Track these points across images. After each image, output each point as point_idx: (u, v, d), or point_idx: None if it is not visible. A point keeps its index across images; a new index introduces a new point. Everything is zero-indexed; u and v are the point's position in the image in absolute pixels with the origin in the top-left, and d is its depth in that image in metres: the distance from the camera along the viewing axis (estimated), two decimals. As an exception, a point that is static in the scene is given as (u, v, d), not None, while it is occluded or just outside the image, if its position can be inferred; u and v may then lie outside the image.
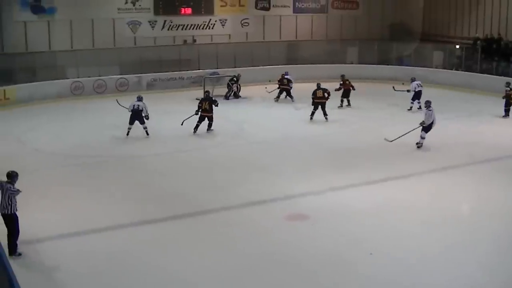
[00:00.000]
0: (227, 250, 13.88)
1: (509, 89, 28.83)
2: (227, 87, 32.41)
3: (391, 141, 21.14)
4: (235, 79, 32.71)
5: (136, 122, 24.02)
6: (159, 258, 13.41)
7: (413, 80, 30.52)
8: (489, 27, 40.35)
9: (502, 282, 12.64)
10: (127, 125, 24.10)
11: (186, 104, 30.13)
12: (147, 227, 15.27)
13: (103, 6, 35.06)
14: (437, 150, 22.43)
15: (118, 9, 35.63)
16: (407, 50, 40.97)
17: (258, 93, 32.74)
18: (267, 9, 40.94)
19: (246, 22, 40.21)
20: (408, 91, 29.69)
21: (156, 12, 36.83)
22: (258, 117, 28.31)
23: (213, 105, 24.88)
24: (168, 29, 37.38)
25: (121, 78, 33.94)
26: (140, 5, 36.22)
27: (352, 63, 40.49)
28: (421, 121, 22.18)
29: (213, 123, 24.97)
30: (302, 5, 42.36)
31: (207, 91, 27.32)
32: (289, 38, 42.00)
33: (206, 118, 24.70)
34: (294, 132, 25.19)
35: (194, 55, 37.22)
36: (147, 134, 24.09)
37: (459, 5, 42.85)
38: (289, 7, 41.89)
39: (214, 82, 33.49)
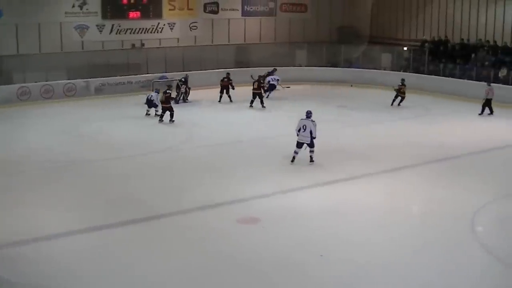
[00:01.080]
0: (180, 254, 13.89)
1: (401, 84, 31.60)
2: (176, 90, 32.31)
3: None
4: (183, 79, 32.62)
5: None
6: (113, 264, 13.37)
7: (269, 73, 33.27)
8: (436, 30, 41.00)
9: (454, 282, 12.84)
10: (79, 130, 24.37)
11: (135, 109, 30.10)
12: (100, 232, 15.17)
13: (50, 10, 34.58)
14: (386, 151, 22.73)
15: (66, 13, 35.21)
16: (355, 53, 41.37)
17: (207, 97, 32.75)
18: (216, 12, 40.93)
19: (194, 26, 40.15)
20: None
21: (104, 16, 36.51)
22: (209, 120, 28.30)
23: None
24: (116, 33, 37.08)
25: (68, 83, 33.51)
26: (87, 9, 35.83)
27: (300, 66, 40.71)
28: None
29: (164, 127, 24.95)
30: (251, 8, 42.46)
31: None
32: (238, 41, 42.03)
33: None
34: (245, 135, 25.28)
35: (143, 59, 36.97)
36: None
37: (407, 8, 43.43)
38: (237, 10, 41.93)
39: (162, 86, 33.35)
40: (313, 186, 18.60)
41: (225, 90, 32.59)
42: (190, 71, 35.12)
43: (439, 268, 13.30)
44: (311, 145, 20.47)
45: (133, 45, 37.64)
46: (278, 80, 33.88)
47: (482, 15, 38.78)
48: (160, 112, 27.82)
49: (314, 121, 20.36)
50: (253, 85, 31.32)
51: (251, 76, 32.21)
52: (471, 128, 27.26)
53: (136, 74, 35.66)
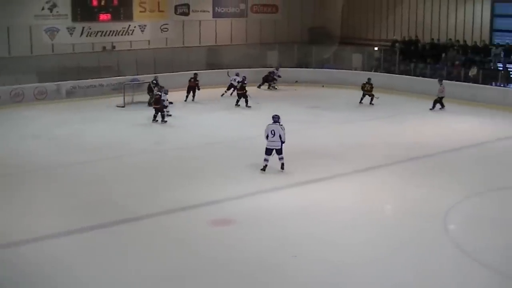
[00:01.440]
0: (153, 258, 13.78)
1: (366, 82, 32.26)
2: (148, 93, 32.09)
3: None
4: (154, 82, 32.39)
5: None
6: (85, 270, 13.24)
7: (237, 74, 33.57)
8: (406, 30, 41.33)
9: (428, 281, 12.89)
10: (51, 133, 24.61)
11: (107, 111, 29.96)
12: (72, 237, 14.99)
13: (19, 13, 34.26)
14: (359, 151, 22.82)
15: (35, 15, 34.94)
16: (326, 53, 41.46)
17: (179, 99, 32.64)
18: (187, 14, 40.86)
19: (165, 28, 40.06)
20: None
21: (74, 19, 36.25)
22: (181, 122, 28.16)
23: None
24: (86, 36, 36.87)
25: (39, 86, 33.24)
26: (57, 12, 35.57)
27: (271, 67, 40.69)
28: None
29: (136, 129, 24.85)
30: (222, 9, 42.47)
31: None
32: (209, 43, 42.03)
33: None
34: (218, 137, 25.21)
35: (114, 61, 36.82)
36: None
37: (377, 8, 43.70)
38: (208, 12, 41.92)
39: (134, 88, 33.22)
40: (286, 187, 18.61)
41: (191, 91, 32.73)
42: (161, 73, 34.95)
43: (413, 268, 13.36)
44: (279, 152, 19.67)
45: (104, 47, 37.47)
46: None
47: (452, 15, 39.17)
48: (169, 112, 28.35)
49: (282, 125, 19.70)
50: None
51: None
52: (442, 126, 27.43)
53: (108, 77, 35.38)
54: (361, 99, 32.42)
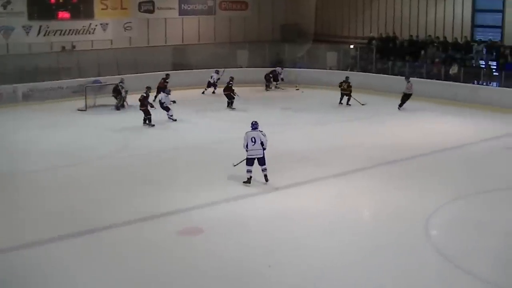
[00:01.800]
0: (119, 269, 13.71)
1: (343, 80, 32.54)
2: (116, 97, 31.86)
3: (235, 165, 19.89)
4: (121, 85, 32.16)
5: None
6: (43, 284, 13.14)
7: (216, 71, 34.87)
8: (383, 26, 41.55)
9: (408, 286, 12.98)
10: (6, 140, 25.06)
11: (67, 116, 29.76)
12: (29, 251, 14.79)
13: (-30, 11, 34.12)
14: (335, 154, 22.88)
15: (-13, 13, 34.76)
16: (299, 52, 41.54)
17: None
18: (151, 11, 40.76)
19: (129, 26, 39.91)
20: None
21: (31, 17, 35.99)
22: (146, 127, 28.01)
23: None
24: (44, 35, 36.58)
25: (-7, 89, 33.02)
26: (12, 9, 35.24)
27: (241, 67, 40.69)
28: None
29: (99, 134, 24.70)
30: (188, 7, 42.39)
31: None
32: (175, 42, 41.96)
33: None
34: (185, 141, 25.17)
35: (74, 62, 36.57)
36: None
37: (352, 3, 43.92)
38: (174, 9, 41.84)
39: (96, 91, 33.04)
40: (259, 193, 18.59)
41: (161, 91, 32.74)
42: (125, 74, 34.82)
43: (393, 273, 13.42)
44: (262, 161, 19.06)
45: (63, 47, 37.26)
46: (217, 79, 34.30)
47: (431, 10, 39.43)
48: (173, 115, 28.85)
49: (262, 131, 19.18)
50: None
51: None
52: (422, 127, 27.61)
53: (68, 79, 35.10)
54: (340, 99, 32.62)
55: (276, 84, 38.17)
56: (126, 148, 24.63)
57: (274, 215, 16.77)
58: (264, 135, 19.06)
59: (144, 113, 27.67)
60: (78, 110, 31.01)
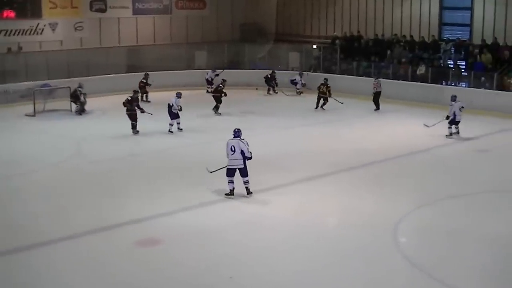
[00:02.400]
0: (71, 284, 13.58)
1: (322, 83, 32.44)
2: (75, 102, 31.52)
3: (212, 172, 19.59)
4: (80, 89, 31.81)
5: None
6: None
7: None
8: (347, 25, 41.82)
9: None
10: None
11: (14, 121, 29.45)
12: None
13: None
14: (299, 160, 22.96)
15: None
16: (260, 52, 41.60)
17: (98, 106, 32.31)
18: (104, 10, 40.53)
19: (80, 26, 39.64)
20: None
21: (-27, 16, 35.72)
22: (100, 132, 27.78)
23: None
24: (-12, 36, 36.35)
25: None
26: (-49, 7, 34.99)
27: (199, 69, 40.61)
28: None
29: (49, 141, 24.51)
30: (143, 5, 42.24)
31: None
32: (130, 42, 41.78)
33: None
34: (140, 148, 25.08)
35: (21, 65, 36.16)
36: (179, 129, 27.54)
37: (315, 1, 44.13)
38: (128, 8, 41.67)
39: (45, 95, 32.74)
40: (219, 201, 18.52)
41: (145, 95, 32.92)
42: (76, 77, 34.54)
43: (360, 282, 13.48)
44: (243, 173, 18.67)
45: (9, 49, 36.85)
46: (211, 78, 34.97)
47: (397, 8, 39.78)
48: (179, 123, 27.77)
49: (243, 139, 18.87)
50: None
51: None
52: (389, 130, 27.83)
53: (14, 82, 34.70)
54: (317, 103, 32.56)
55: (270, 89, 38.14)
56: (78, 155, 24.39)
57: (236, 224, 16.77)
58: (246, 144, 18.72)
59: (129, 118, 26.93)
60: (26, 115, 30.68)
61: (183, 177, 20.45)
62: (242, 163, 18.58)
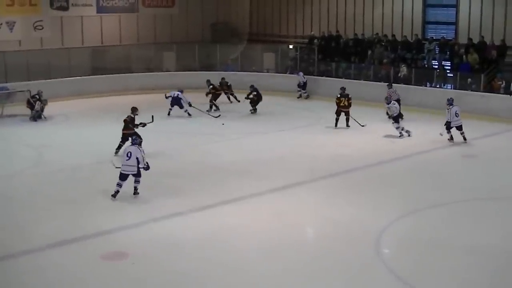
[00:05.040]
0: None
1: (341, 94, 30.32)
2: (31, 109, 31.34)
3: (117, 167, 19.80)
4: (37, 96, 31.57)
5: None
6: None
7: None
8: (326, 24, 41.91)
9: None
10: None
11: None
12: None
13: None
14: (274, 167, 22.97)
15: None
16: (233, 53, 41.61)
17: (61, 111, 32.19)
18: (65, 8, 40.35)
19: (40, 25, 39.45)
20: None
21: None
22: (62, 140, 27.73)
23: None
24: None
25: None
26: None
27: (168, 71, 40.56)
28: None
29: (6, 148, 24.50)
30: (108, 3, 42.11)
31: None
32: (94, 43, 41.62)
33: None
34: (104, 156, 24.91)
35: (-24, 67, 36.09)
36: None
37: (291, 0, 44.12)
38: (91, 6, 41.48)
39: (3, 99, 32.55)
40: (189, 212, 18.50)
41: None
42: (36, 80, 34.40)
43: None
44: (137, 174, 19.56)
45: (-38, 49, 36.67)
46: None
47: (378, 6, 39.94)
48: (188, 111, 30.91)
49: (141, 147, 19.68)
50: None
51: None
52: (371, 135, 27.80)
53: (-32, 86, 34.56)
54: (337, 119, 29.35)
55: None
56: (39, 164, 24.31)
57: (207, 236, 16.73)
58: (142, 151, 19.58)
59: (123, 138, 24.61)
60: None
61: (152, 186, 20.38)
62: (135, 170, 19.46)
